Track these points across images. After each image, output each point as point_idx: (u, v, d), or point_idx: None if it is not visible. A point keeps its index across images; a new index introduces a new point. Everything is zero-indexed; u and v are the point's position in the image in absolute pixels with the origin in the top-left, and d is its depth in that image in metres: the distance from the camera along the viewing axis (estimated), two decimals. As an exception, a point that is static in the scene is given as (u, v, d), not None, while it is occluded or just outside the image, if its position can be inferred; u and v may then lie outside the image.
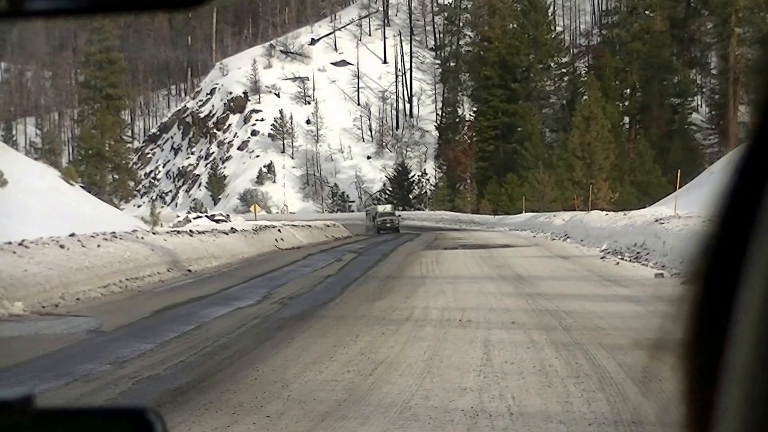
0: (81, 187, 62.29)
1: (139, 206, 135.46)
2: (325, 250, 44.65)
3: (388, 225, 78.17)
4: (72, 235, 28.35)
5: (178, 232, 37.85)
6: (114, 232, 31.25)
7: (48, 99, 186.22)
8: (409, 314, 16.89)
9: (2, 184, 46.84)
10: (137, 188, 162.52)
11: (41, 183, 50.32)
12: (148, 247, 29.97)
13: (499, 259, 33.12)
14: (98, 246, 26.79)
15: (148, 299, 21.30)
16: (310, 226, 62.58)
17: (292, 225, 58.33)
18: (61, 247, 24.64)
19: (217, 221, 57.73)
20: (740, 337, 0.68)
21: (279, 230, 51.68)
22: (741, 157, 0.73)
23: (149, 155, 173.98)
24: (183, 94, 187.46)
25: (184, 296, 21.47)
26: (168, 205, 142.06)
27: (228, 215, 65.58)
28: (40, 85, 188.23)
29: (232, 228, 44.66)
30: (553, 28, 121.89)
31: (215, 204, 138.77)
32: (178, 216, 66.78)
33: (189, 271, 30.34)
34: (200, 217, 61.21)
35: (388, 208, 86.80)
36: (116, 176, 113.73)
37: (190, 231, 38.94)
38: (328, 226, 68.48)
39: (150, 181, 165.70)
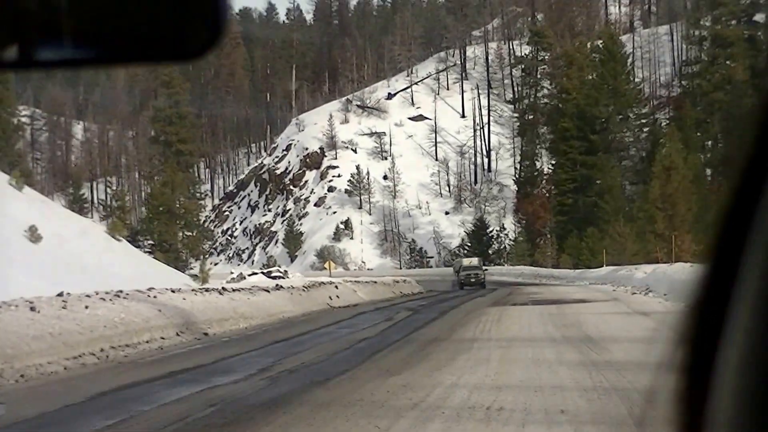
0: (132, 243, 60.48)
1: (216, 264, 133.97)
2: (382, 307, 41.91)
3: (473, 280, 74.70)
4: (60, 294, 25.34)
5: (207, 290, 35.09)
6: (120, 291, 28.25)
7: (129, 158, 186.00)
8: (423, 397, 13.41)
9: (36, 240, 44.44)
10: (214, 246, 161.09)
11: (83, 239, 48.06)
12: (155, 308, 26.92)
13: (570, 317, 30.33)
14: (86, 307, 23.70)
15: (114, 375, 18.20)
16: (375, 282, 59.86)
17: (355, 281, 55.96)
18: (32, 309, 21.44)
19: (274, 277, 55.17)
20: (730, 355, 0.77)
21: (336, 287, 48.87)
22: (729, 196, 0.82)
23: (226, 213, 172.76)
24: (262, 152, 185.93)
25: (163, 370, 18.47)
26: (244, 262, 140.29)
27: (286, 271, 63.00)
28: (120, 145, 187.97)
29: (277, 285, 41.83)
30: (632, 78, 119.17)
31: (292, 261, 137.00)
32: (231, 272, 64.09)
33: (205, 334, 27.47)
34: (255, 273, 58.58)
35: (474, 261, 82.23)
36: (188, 233, 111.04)
37: (222, 288, 36.16)
38: (397, 281, 66.17)
39: (227, 239, 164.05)
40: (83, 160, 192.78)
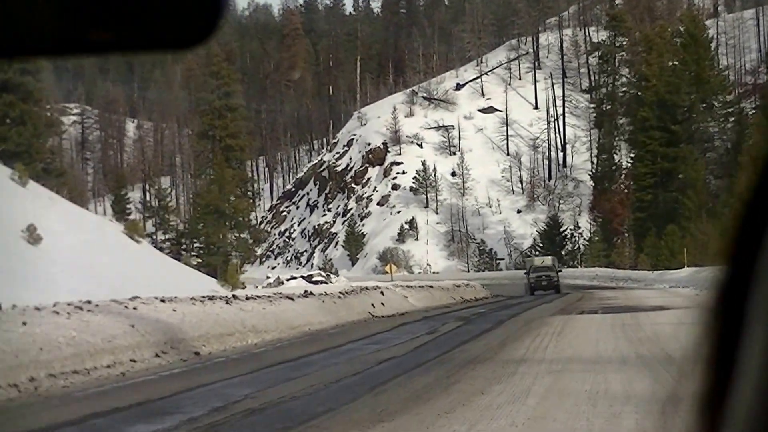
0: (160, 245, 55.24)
1: (273, 267, 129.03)
2: (432, 316, 38.26)
3: (544, 283, 66.64)
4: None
5: (211, 298, 28.64)
6: (88, 302, 22.36)
7: (184, 157, 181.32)
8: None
9: (35, 241, 38.93)
10: (270, 248, 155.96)
11: (94, 241, 42.35)
12: (127, 323, 21.21)
13: (647, 329, 25.88)
14: (24, 324, 17.47)
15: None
16: (431, 286, 54.94)
17: (407, 286, 50.55)
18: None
19: (315, 282, 50.03)
20: (751, 347, 0.78)
21: (382, 293, 42.78)
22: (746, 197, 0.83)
23: (284, 213, 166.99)
24: (324, 149, 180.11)
25: (81, 410, 14.73)
26: (303, 266, 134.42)
27: (329, 275, 57.76)
28: (175, 143, 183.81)
29: (306, 292, 35.33)
30: (716, 64, 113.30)
31: (353, 264, 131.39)
32: (268, 277, 58.93)
33: (196, 354, 22.28)
34: (294, 278, 53.06)
35: (547, 260, 74.39)
36: (238, 235, 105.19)
37: (232, 296, 29.86)
38: (458, 286, 61.13)
39: (285, 241, 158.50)
40: (135, 159, 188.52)
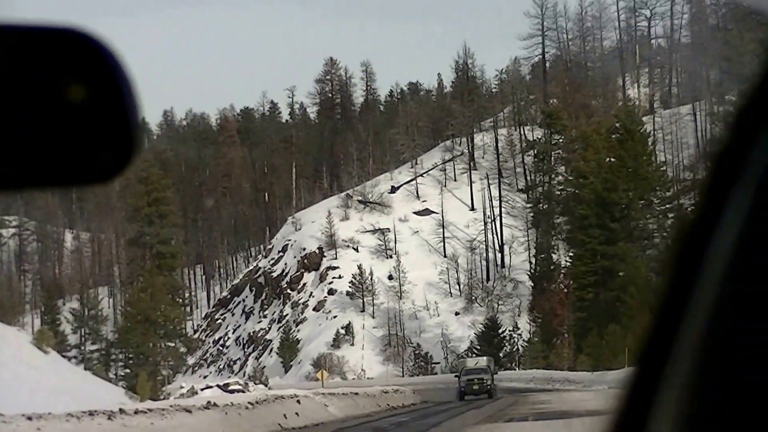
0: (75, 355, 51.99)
1: (205, 376, 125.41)
2: (347, 428, 36.12)
3: (476, 387, 62.46)
4: None
5: (91, 413, 24.93)
6: None
7: (121, 266, 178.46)
8: None
9: None
10: (204, 357, 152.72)
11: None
12: None
13: None
14: None
15: None
16: (356, 393, 50.98)
17: (329, 393, 47.12)
18: None
19: (232, 391, 46.93)
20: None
21: (298, 401, 39.33)
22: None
23: (219, 321, 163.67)
24: (260, 255, 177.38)
25: None
26: (236, 374, 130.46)
27: (247, 383, 54.76)
28: (112, 253, 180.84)
29: (209, 402, 31.88)
30: (654, 160, 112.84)
31: (286, 371, 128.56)
32: (182, 387, 55.18)
33: None
34: (209, 387, 49.93)
35: (482, 362, 71.25)
36: (169, 344, 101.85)
37: (119, 411, 26.01)
38: (386, 392, 58.16)
39: (218, 349, 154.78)
40: (73, 270, 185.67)
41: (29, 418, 22.55)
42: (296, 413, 37.62)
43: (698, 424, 0.78)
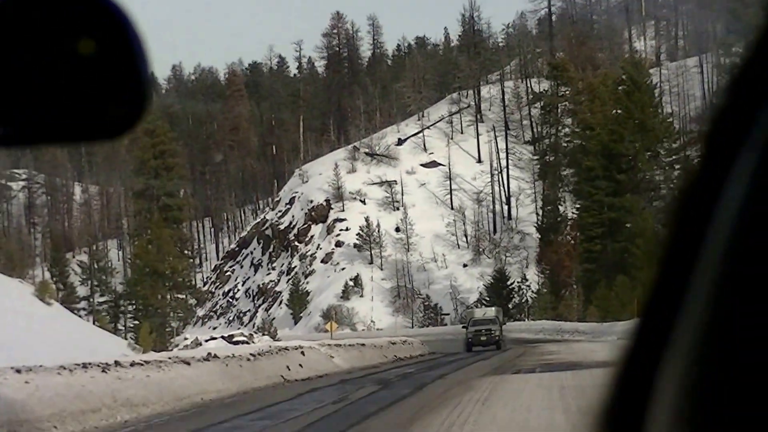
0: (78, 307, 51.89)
1: (215, 328, 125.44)
2: (352, 379, 34.65)
3: (483, 338, 60.56)
4: None
5: (85, 366, 24.50)
6: None
7: (130, 219, 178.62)
8: None
9: None
10: (214, 308, 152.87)
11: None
12: None
13: (589, 392, 20.80)
14: None
15: None
16: (363, 345, 51.86)
17: (334, 345, 46.86)
18: None
19: (236, 343, 46.78)
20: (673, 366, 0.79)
21: (302, 353, 39.07)
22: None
23: (228, 273, 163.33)
24: (268, 208, 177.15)
25: None
26: (245, 325, 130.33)
27: (251, 335, 54.72)
28: (121, 206, 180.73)
29: (209, 354, 31.67)
30: (660, 111, 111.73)
31: (296, 323, 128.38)
32: (186, 338, 55.09)
33: None
34: (214, 338, 49.80)
35: (490, 312, 69.25)
36: (177, 296, 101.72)
37: (114, 363, 25.69)
38: (394, 343, 57.68)
39: (228, 301, 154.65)
40: (83, 223, 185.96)
41: (18, 371, 22.12)
42: (300, 365, 37.38)
43: (703, 376, 0.77)
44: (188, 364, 28.74)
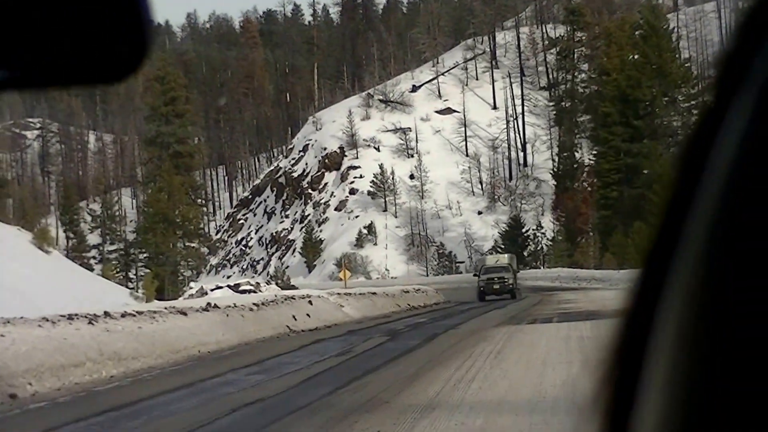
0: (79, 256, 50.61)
1: (228, 276, 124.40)
2: (359, 329, 32.87)
3: (497, 287, 58.09)
4: None
5: (70, 317, 23.05)
6: None
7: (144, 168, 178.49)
8: None
9: None
10: (228, 257, 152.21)
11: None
12: None
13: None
14: None
15: None
16: (374, 293, 50.98)
17: (345, 293, 45.67)
18: None
19: (243, 292, 45.46)
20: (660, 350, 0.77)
21: (310, 302, 37.74)
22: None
23: (241, 221, 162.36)
24: (281, 155, 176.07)
25: None
26: (259, 274, 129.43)
27: (258, 283, 53.07)
28: (135, 155, 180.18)
29: (209, 304, 30.32)
30: (678, 57, 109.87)
31: (310, 271, 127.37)
32: (191, 287, 53.59)
33: (12, 396, 16.38)
34: (220, 287, 48.50)
35: (503, 259, 65.88)
36: (189, 244, 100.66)
37: (104, 313, 24.24)
38: (407, 292, 56.36)
39: (241, 249, 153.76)
40: (97, 172, 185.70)
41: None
42: (308, 314, 36.03)
43: (696, 326, 0.76)
44: (185, 314, 27.36)
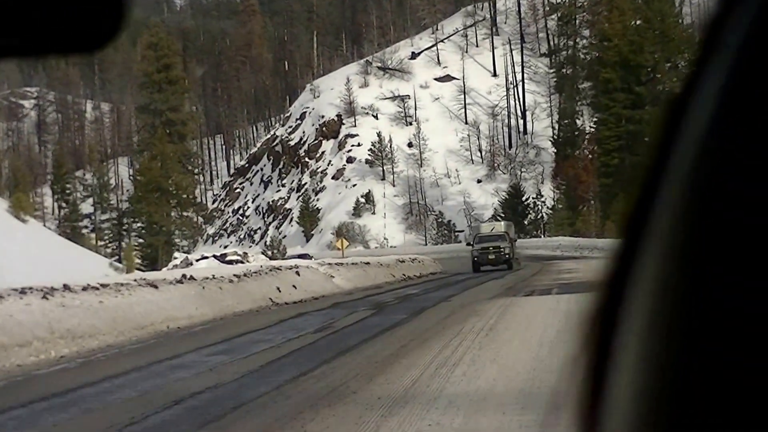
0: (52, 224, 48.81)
1: (225, 246, 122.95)
2: (345, 302, 31.07)
3: (492, 257, 54.57)
4: None
5: (22, 291, 21.07)
6: None
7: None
8: None
9: None
10: (224, 226, 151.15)
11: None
12: None
13: None
14: None
15: None
16: (368, 263, 49.21)
17: (336, 263, 43.99)
18: None
19: (229, 262, 43.74)
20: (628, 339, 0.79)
21: (297, 273, 35.87)
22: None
23: (237, 190, 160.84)
24: (278, 123, 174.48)
25: None
26: (256, 243, 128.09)
27: (245, 253, 51.75)
28: (131, 124, 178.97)
29: (183, 276, 28.35)
30: (681, 21, 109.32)
31: (307, 241, 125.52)
32: (175, 257, 51.85)
33: None
34: (205, 257, 46.80)
35: (499, 226, 62.14)
36: (183, 213, 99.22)
37: (62, 287, 22.22)
38: (402, 261, 54.64)
39: (238, 218, 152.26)
40: (93, 141, 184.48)
41: None
42: (294, 286, 34.20)
43: (673, 297, 0.73)
44: (155, 287, 25.44)
